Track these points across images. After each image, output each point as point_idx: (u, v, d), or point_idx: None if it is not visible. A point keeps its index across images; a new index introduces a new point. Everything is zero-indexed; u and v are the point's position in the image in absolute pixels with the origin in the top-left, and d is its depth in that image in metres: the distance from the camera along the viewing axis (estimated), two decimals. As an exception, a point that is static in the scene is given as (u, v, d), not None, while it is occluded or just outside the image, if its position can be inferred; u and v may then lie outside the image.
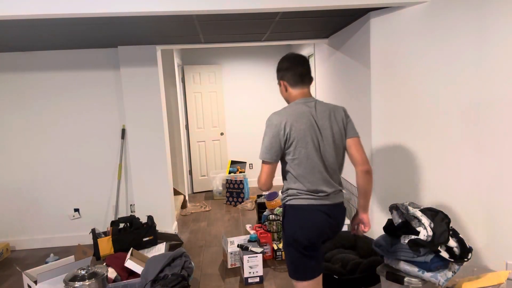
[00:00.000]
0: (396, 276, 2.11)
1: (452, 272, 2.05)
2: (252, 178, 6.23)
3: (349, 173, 3.55)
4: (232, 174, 5.52)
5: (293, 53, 1.93)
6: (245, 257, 3.00)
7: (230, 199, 5.41)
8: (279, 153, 1.82)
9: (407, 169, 2.82)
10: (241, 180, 5.33)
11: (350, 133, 1.90)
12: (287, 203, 1.88)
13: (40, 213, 4.09)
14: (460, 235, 2.15)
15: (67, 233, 4.14)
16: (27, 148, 4.01)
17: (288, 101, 1.96)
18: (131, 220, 3.49)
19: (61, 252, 3.94)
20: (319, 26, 3.34)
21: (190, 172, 6.09)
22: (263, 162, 1.83)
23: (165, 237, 3.77)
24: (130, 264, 2.84)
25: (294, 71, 1.88)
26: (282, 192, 1.96)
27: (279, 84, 1.97)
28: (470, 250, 2.10)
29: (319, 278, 1.91)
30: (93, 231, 3.36)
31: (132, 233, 3.43)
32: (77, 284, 2.41)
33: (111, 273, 2.87)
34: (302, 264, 1.86)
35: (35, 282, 2.68)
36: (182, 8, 2.38)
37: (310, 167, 1.81)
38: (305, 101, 1.87)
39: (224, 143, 6.18)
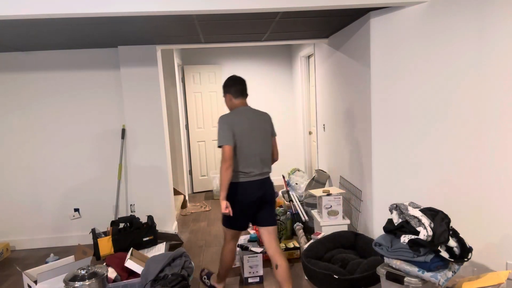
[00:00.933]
0: (396, 276, 2.11)
1: (452, 272, 2.05)
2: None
3: (349, 174, 3.55)
4: (232, 174, 5.51)
5: (235, 75, 2.66)
6: (245, 257, 3.00)
7: (230, 199, 5.40)
8: (233, 141, 2.46)
9: (407, 169, 2.82)
10: (241, 180, 5.32)
11: (273, 133, 2.70)
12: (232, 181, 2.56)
13: (40, 213, 4.09)
14: (460, 235, 2.15)
15: (67, 233, 4.14)
16: (27, 148, 4.01)
17: (231, 109, 2.65)
18: (131, 220, 3.50)
19: (61, 252, 3.94)
20: (319, 26, 3.34)
21: (190, 172, 6.09)
22: (224, 146, 2.43)
23: (165, 237, 3.77)
24: (130, 264, 2.84)
25: (237, 87, 2.61)
26: None
27: (225, 96, 2.66)
28: (470, 250, 2.10)
29: (240, 232, 2.71)
30: (93, 231, 3.36)
31: (132, 233, 3.43)
32: (77, 284, 2.41)
33: (111, 273, 2.88)
34: (236, 221, 2.61)
35: (35, 282, 2.68)
36: (182, 8, 2.38)
37: (247, 155, 2.51)
38: (245, 109, 2.60)
39: (224, 143, 6.17)
